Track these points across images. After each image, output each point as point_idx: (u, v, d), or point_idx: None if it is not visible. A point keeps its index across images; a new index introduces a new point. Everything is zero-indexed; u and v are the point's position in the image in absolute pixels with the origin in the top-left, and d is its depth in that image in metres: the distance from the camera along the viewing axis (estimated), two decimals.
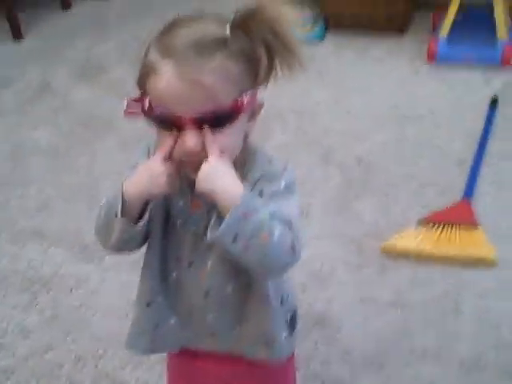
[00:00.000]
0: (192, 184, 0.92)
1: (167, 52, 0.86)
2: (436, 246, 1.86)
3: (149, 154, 0.99)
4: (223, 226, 0.85)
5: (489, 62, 2.70)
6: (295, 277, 1.78)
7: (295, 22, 0.89)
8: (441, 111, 2.48)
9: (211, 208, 0.93)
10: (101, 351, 1.67)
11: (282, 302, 1.05)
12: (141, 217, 0.94)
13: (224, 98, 0.85)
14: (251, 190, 0.92)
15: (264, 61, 0.91)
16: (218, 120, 0.86)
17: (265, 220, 0.86)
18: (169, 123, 0.87)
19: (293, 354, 1.15)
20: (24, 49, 3.27)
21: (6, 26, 3.37)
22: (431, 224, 1.92)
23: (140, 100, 0.88)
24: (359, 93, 2.64)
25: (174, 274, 1.02)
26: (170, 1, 3.48)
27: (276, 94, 2.60)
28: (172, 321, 1.06)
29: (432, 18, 2.97)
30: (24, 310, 1.81)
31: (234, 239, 0.85)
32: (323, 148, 2.34)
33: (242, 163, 0.94)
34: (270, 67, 0.92)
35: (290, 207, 0.92)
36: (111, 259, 1.92)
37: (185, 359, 1.13)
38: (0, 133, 2.60)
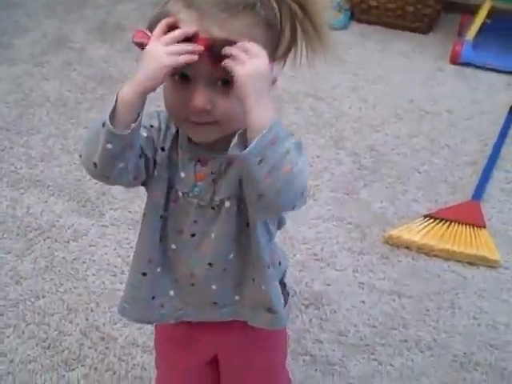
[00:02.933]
0: (194, 153, 0.92)
1: (191, 4, 0.84)
2: (440, 241, 1.84)
3: (159, 118, 0.96)
4: (252, 145, 0.80)
5: None
6: (295, 255, 1.80)
7: (327, 5, 0.88)
8: (458, 111, 2.46)
9: (216, 177, 0.93)
10: (92, 305, 1.65)
11: (275, 268, 1.03)
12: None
13: None
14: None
15: (287, 36, 0.89)
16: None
17: (290, 151, 0.82)
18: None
19: None
20: (43, 1, 3.23)
21: None
22: (437, 219, 1.90)
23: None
24: (378, 83, 2.61)
25: (174, 246, 1.00)
26: None
27: (292, 76, 2.62)
28: (171, 292, 1.04)
29: (461, 20, 2.94)
30: (18, 257, 1.79)
31: (260, 162, 0.81)
32: (336, 132, 2.32)
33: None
34: (291, 44, 0.90)
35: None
36: (111, 215, 1.90)
37: (178, 326, 1.10)
38: (11, 81, 2.56)
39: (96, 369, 1.51)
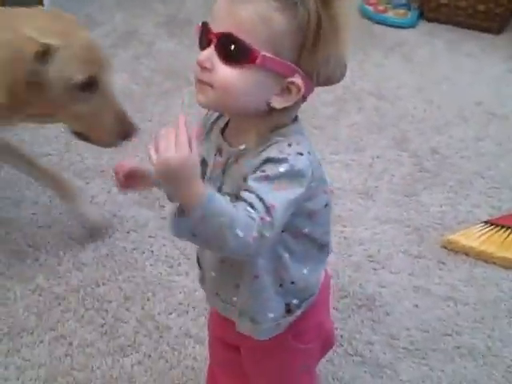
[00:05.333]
0: (218, 144, 0.97)
1: None
2: (500, 248, 1.80)
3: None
4: (177, 227, 0.86)
5: None
6: (351, 255, 1.79)
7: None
8: None
9: (224, 170, 0.96)
10: (149, 294, 1.70)
11: (281, 285, 1.01)
12: None
13: (250, 39, 0.86)
14: (256, 169, 0.89)
15: (311, 34, 0.87)
16: (230, 48, 0.87)
17: (224, 224, 0.84)
18: (202, 38, 0.90)
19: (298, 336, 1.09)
20: None
21: None
22: (499, 226, 1.86)
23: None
24: (445, 84, 2.57)
25: None
26: None
27: (357, 75, 2.60)
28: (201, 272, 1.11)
29: None
30: (81, 244, 1.85)
31: (193, 235, 0.86)
32: (398, 133, 2.30)
33: (265, 141, 0.92)
34: (315, 42, 0.88)
35: (279, 195, 0.87)
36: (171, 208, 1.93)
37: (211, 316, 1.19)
38: None
39: (149, 356, 1.55)
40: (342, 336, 1.58)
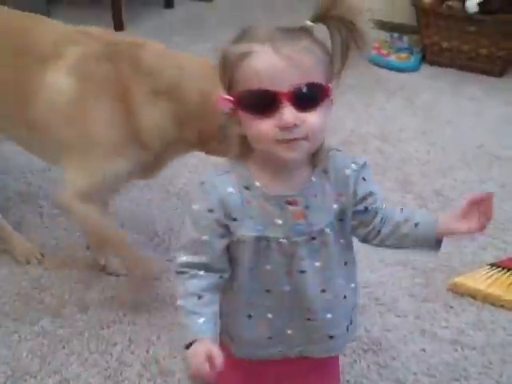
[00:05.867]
0: (280, 199, 0.97)
1: (257, 38, 0.91)
2: (507, 291, 1.79)
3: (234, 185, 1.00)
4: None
5: None
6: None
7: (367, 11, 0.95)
8: None
9: (308, 210, 0.98)
10: (154, 337, 1.68)
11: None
12: None
13: (315, 77, 0.90)
14: (356, 180, 1.00)
15: (338, 53, 0.95)
16: (310, 96, 0.90)
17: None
18: (264, 101, 0.90)
19: None
20: None
21: (110, 17, 3.50)
22: (505, 268, 1.85)
23: (230, 93, 0.94)
24: (448, 126, 2.59)
25: (287, 288, 1.02)
26: (272, 9, 3.55)
27: (363, 118, 2.62)
28: (289, 331, 1.07)
29: None
30: (86, 287, 1.85)
31: None
32: (402, 175, 2.31)
33: (324, 161, 0.99)
34: (344, 61, 0.96)
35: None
36: None
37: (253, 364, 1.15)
38: None
39: None
40: (348, 381, 1.56)
